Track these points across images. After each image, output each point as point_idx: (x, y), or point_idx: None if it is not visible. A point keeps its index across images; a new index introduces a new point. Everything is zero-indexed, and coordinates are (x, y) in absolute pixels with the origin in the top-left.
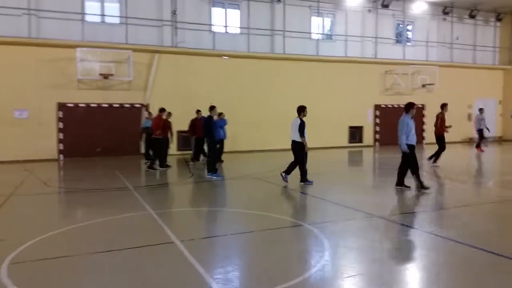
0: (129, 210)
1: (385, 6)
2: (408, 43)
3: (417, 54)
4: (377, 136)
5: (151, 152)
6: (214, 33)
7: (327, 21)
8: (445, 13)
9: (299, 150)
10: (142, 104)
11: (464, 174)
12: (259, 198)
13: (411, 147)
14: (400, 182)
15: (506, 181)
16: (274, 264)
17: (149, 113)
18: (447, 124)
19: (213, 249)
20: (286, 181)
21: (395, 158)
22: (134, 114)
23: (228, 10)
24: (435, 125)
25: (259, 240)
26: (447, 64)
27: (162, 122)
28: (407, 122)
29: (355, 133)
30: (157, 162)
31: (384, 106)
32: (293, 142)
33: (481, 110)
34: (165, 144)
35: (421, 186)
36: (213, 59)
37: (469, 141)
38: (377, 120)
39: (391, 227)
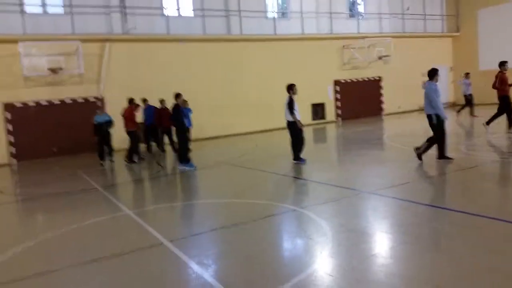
0: (104, 212)
1: None
2: (361, 17)
3: (371, 27)
4: (339, 112)
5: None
6: (167, 17)
7: None
8: None
9: (294, 129)
10: (97, 98)
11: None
12: (241, 185)
13: (438, 117)
14: (441, 155)
15: None
16: (282, 256)
17: (101, 107)
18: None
19: (209, 246)
20: (298, 163)
21: (359, 132)
22: (89, 109)
23: None
24: (494, 87)
25: (257, 230)
26: (400, 35)
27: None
28: (436, 89)
29: (318, 110)
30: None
31: (343, 81)
32: (287, 122)
33: (467, 74)
34: (138, 137)
35: (444, 157)
36: (169, 45)
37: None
38: (338, 96)
39: (383, 202)
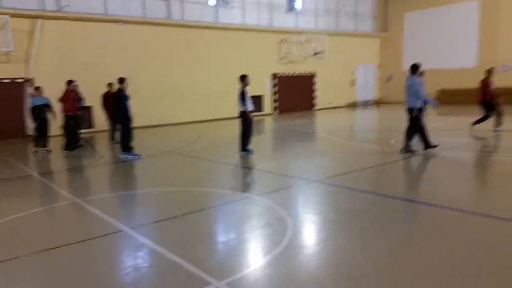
0: (48, 201)
1: None
2: (297, 11)
3: (308, 22)
4: (276, 104)
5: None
6: None
7: None
8: None
9: (245, 119)
10: (25, 79)
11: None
12: (192, 174)
13: (419, 110)
14: (427, 145)
15: None
16: (244, 241)
17: (37, 88)
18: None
19: (175, 232)
20: (246, 154)
21: (297, 124)
22: (16, 90)
23: None
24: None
25: (216, 217)
26: (333, 33)
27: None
28: (420, 82)
29: (256, 102)
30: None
31: (280, 74)
32: (239, 113)
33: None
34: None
35: (429, 146)
36: (106, 25)
37: (352, 105)
38: (275, 89)
39: (332, 190)
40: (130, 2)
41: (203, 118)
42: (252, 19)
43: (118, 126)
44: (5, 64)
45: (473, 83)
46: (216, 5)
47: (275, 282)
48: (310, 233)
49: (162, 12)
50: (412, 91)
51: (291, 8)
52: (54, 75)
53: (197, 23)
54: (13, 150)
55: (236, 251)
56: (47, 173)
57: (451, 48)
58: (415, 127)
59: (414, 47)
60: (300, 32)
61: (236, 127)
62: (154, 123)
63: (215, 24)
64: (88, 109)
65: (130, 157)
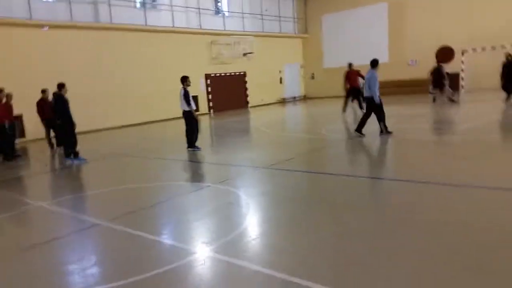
0: (10, 207)
1: None
2: (226, 14)
3: (235, 25)
4: (211, 104)
5: None
6: (28, 0)
7: None
8: None
9: (189, 118)
10: None
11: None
12: (147, 171)
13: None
14: (359, 129)
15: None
16: (214, 222)
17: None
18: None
19: (152, 220)
20: (196, 149)
21: (234, 122)
22: None
23: None
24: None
25: (188, 202)
26: (260, 34)
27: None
28: (376, 76)
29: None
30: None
31: (213, 74)
32: (183, 112)
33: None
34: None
35: (386, 131)
36: (30, 30)
37: (282, 101)
38: (209, 89)
39: (276, 173)
40: (55, 6)
41: (138, 121)
42: (181, 21)
43: (53, 133)
44: None
45: (386, 76)
46: (144, 8)
47: (251, 245)
48: (266, 205)
49: (90, 15)
50: (368, 83)
51: (218, 11)
52: None
53: (126, 25)
54: None
55: (212, 224)
56: None
57: (365, 46)
58: (370, 113)
59: (333, 46)
60: (228, 34)
61: (175, 126)
62: (87, 129)
63: (144, 27)
64: (18, 118)
65: (76, 162)
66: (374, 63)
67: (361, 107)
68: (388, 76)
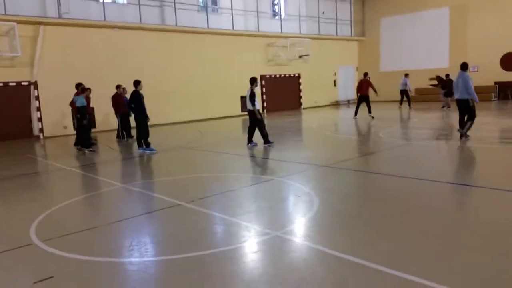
0: (96, 187)
1: None
2: (281, 17)
3: (292, 27)
4: (265, 104)
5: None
6: (103, 3)
7: None
8: None
9: (253, 116)
10: (29, 82)
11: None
12: (212, 163)
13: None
14: (465, 131)
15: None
16: (285, 206)
17: (87, 89)
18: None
19: (227, 204)
20: (252, 146)
21: (289, 122)
22: (22, 93)
23: None
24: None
25: (259, 191)
26: (316, 37)
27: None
28: (470, 77)
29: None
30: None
31: (268, 76)
32: (248, 110)
33: (406, 75)
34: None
35: (466, 135)
36: (103, 31)
37: (335, 104)
38: (264, 90)
39: (338, 172)
40: (125, 9)
41: (197, 118)
42: (240, 24)
43: (126, 125)
44: (11, 68)
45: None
46: (206, 12)
47: (317, 232)
48: (332, 200)
49: (157, 18)
50: (464, 85)
51: (275, 14)
52: (55, 79)
53: (189, 28)
54: (27, 147)
55: (282, 212)
56: (77, 166)
57: (425, 50)
58: (472, 114)
59: (391, 50)
60: (285, 37)
61: (231, 124)
62: (151, 123)
63: (206, 29)
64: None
65: (147, 151)
66: (465, 66)
67: (370, 112)
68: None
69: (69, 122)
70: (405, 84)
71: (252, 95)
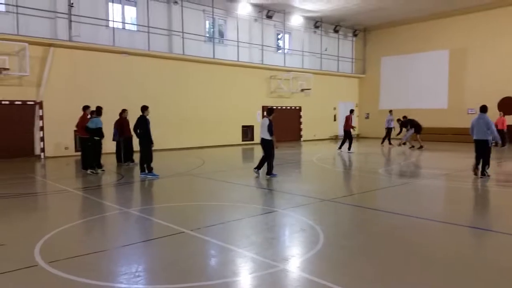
0: (99, 210)
1: (269, 17)
2: (284, 51)
3: (294, 62)
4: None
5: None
6: (113, 28)
7: (219, 25)
8: (316, 27)
9: (269, 146)
10: (35, 102)
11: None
12: (211, 191)
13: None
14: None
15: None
16: (289, 243)
17: (95, 110)
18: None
19: (231, 233)
20: (258, 174)
21: (289, 154)
22: (26, 112)
23: (125, 6)
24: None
25: (258, 223)
26: (318, 72)
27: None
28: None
29: (247, 132)
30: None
31: (270, 107)
32: (263, 139)
33: (390, 111)
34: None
35: (486, 174)
36: (112, 56)
37: (335, 138)
38: None
39: (341, 207)
40: (134, 36)
41: (199, 145)
42: (245, 56)
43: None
44: (18, 87)
45: (444, 123)
46: (213, 43)
47: (322, 267)
48: (335, 235)
49: (165, 46)
50: (487, 127)
51: (279, 48)
52: (61, 99)
53: (196, 57)
54: (29, 167)
55: (288, 245)
56: (79, 188)
57: (424, 91)
58: (488, 153)
59: (390, 88)
60: (288, 70)
61: (232, 152)
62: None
63: (212, 59)
64: None
65: (149, 176)
66: (485, 109)
67: (349, 148)
68: (446, 123)
69: (71, 143)
70: (390, 121)
71: (270, 125)
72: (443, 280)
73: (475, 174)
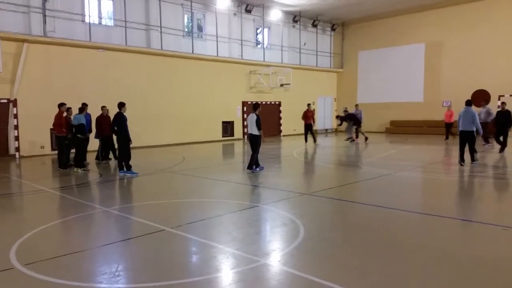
0: (77, 210)
1: (248, 11)
2: (264, 46)
3: (273, 56)
4: (245, 130)
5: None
6: (89, 23)
7: (198, 19)
8: (295, 21)
9: (256, 141)
10: (9, 100)
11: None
12: (191, 188)
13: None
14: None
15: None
16: (270, 237)
17: (69, 108)
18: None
19: (212, 230)
20: (260, 170)
21: (269, 149)
22: (0, 110)
23: (101, 0)
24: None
25: (240, 219)
26: (297, 67)
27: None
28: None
29: (227, 127)
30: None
31: (250, 102)
32: (251, 135)
33: (356, 106)
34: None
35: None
36: (88, 51)
37: (314, 132)
38: (245, 115)
39: (320, 200)
40: (113, 31)
41: (179, 141)
42: (224, 51)
43: (109, 147)
44: None
45: (420, 115)
46: (192, 38)
47: (304, 260)
48: (316, 229)
49: (141, 41)
50: (471, 119)
51: (258, 43)
52: (36, 97)
53: (174, 52)
54: (5, 168)
55: (269, 239)
56: (57, 188)
57: (400, 84)
58: (474, 144)
59: (367, 82)
60: (267, 65)
61: (211, 148)
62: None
63: (190, 55)
64: None
65: (128, 174)
66: (471, 102)
67: (314, 140)
68: (422, 116)
69: (47, 141)
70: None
71: (259, 120)
72: (424, 269)
73: (462, 164)
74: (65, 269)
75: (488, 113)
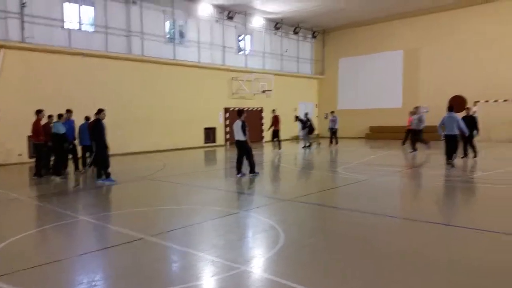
0: (54, 219)
1: (230, 18)
2: (246, 53)
3: (255, 63)
4: (227, 136)
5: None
6: (68, 30)
7: (180, 26)
8: (277, 28)
9: (244, 147)
10: None
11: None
12: (171, 195)
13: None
14: (451, 158)
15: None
16: (251, 244)
17: (50, 116)
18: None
19: (192, 237)
20: (242, 175)
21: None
22: None
23: (82, 6)
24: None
25: (227, 225)
26: (278, 73)
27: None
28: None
29: (209, 134)
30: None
31: (232, 108)
32: (237, 141)
33: (332, 112)
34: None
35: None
36: (68, 57)
37: (295, 138)
38: (227, 122)
39: (301, 206)
40: (92, 37)
41: (161, 148)
42: (206, 57)
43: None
44: None
45: (399, 121)
46: (173, 44)
47: (284, 266)
48: (296, 235)
49: (122, 47)
50: (458, 124)
51: (240, 50)
52: (14, 104)
53: (155, 58)
54: None
55: (250, 246)
56: (35, 196)
57: (380, 90)
58: (456, 146)
59: (348, 88)
60: (249, 72)
61: (192, 155)
62: (112, 152)
63: (172, 61)
64: None
65: (107, 182)
66: (453, 108)
67: (279, 147)
68: (401, 122)
69: (24, 149)
70: (334, 122)
71: (244, 126)
72: (405, 273)
73: (452, 165)
74: (41, 279)
75: (420, 120)
